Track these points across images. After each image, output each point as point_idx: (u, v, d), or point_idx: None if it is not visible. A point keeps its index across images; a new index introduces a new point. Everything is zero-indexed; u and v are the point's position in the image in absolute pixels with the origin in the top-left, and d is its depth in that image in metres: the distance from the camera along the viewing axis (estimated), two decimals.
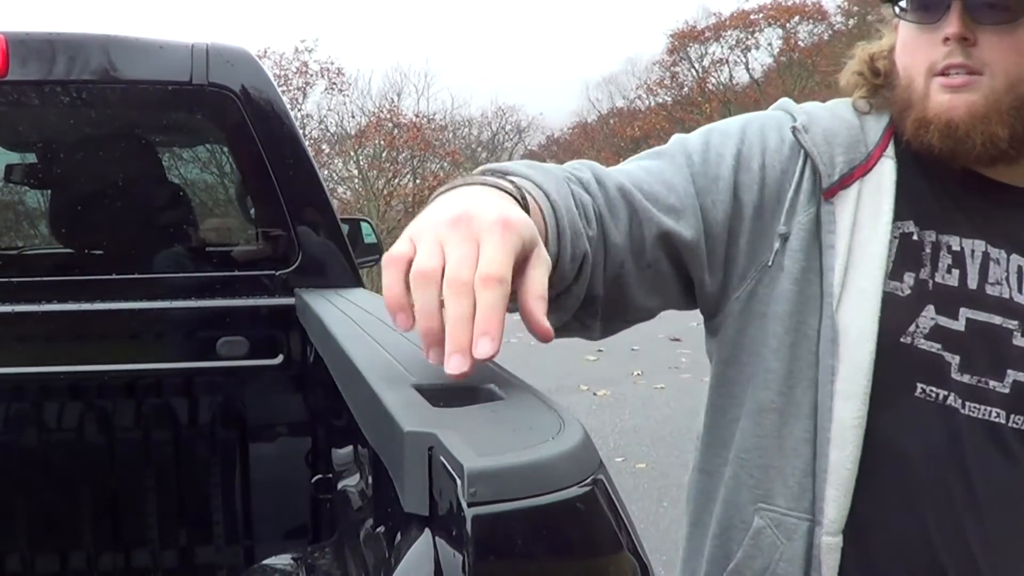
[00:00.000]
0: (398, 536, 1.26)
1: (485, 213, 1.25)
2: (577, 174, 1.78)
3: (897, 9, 1.92)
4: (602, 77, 53.59)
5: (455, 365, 1.17)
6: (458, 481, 0.88)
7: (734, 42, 46.69)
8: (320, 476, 3.36)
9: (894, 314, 1.86)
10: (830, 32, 44.80)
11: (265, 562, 2.73)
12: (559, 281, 1.61)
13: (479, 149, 46.34)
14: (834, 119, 1.96)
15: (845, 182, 1.89)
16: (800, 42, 45.34)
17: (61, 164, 3.94)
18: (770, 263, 1.88)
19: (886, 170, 1.91)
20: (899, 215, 1.90)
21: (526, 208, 1.41)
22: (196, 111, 3.79)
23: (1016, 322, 1.89)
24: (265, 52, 39.28)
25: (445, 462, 0.93)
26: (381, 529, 1.80)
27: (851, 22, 42.94)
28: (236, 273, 3.69)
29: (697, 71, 47.87)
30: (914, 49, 1.90)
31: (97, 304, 3.53)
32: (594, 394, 12.54)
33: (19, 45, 3.47)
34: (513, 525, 0.88)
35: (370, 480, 2.23)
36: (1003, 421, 1.87)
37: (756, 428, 1.91)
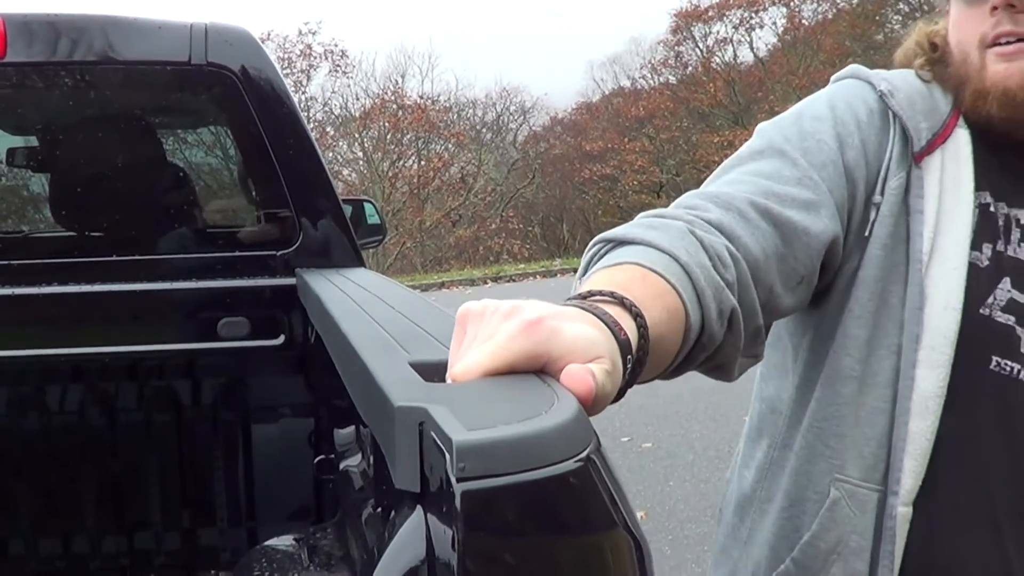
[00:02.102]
0: (392, 514, 1.25)
1: (521, 309, 1.10)
2: (702, 215, 1.63)
3: None
4: (606, 57, 53.54)
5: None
6: (447, 456, 0.87)
7: (738, 21, 46.54)
8: (322, 457, 3.35)
9: (975, 285, 1.85)
10: (834, 11, 44.65)
11: (267, 543, 2.72)
12: (710, 342, 1.48)
13: (484, 130, 46.24)
14: (909, 85, 1.95)
15: (931, 147, 1.89)
16: (804, 21, 45.19)
17: (61, 146, 3.93)
18: (867, 234, 1.86)
19: (962, 139, 1.91)
20: (978, 185, 1.89)
21: (644, 340, 1.26)
22: (196, 91, 3.78)
23: None
24: (268, 35, 39.19)
25: (435, 437, 0.91)
26: (381, 509, 1.79)
27: (855, 1, 42.83)
28: (237, 254, 3.68)
29: (701, 50, 47.73)
30: (964, 23, 1.90)
31: (98, 286, 3.51)
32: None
33: (18, 26, 3.46)
34: (504, 501, 0.86)
35: (372, 460, 2.22)
36: None
37: (834, 396, 1.89)
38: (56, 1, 3.86)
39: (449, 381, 1.08)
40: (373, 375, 1.17)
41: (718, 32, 46.49)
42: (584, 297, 1.26)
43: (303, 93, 39.53)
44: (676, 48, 47.40)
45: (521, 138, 46.44)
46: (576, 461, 0.91)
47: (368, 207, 5.25)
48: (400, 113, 40.35)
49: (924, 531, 1.86)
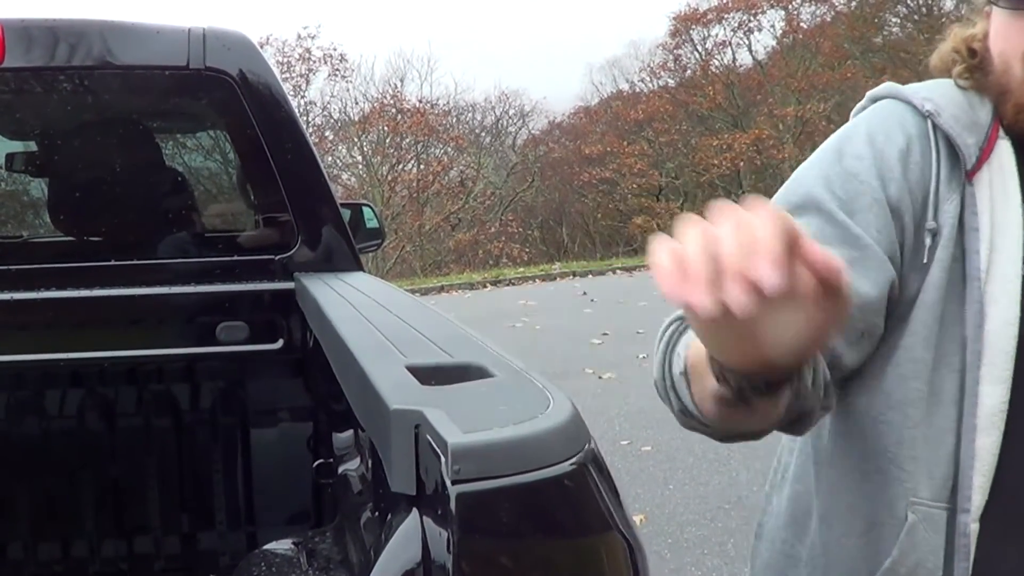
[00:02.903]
0: (389, 516, 1.25)
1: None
2: None
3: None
4: (605, 60, 53.45)
5: (768, 277, 1.12)
6: (442, 458, 0.87)
7: (737, 24, 46.52)
8: (321, 461, 3.35)
9: None
10: (832, 13, 44.63)
11: (266, 547, 2.72)
12: (804, 392, 1.57)
13: (483, 134, 46.22)
14: (951, 100, 1.91)
15: (980, 162, 1.85)
16: (803, 23, 45.18)
17: (60, 151, 3.93)
18: (925, 260, 1.83)
19: (1005, 151, 1.87)
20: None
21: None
22: (194, 96, 3.78)
23: None
24: (267, 39, 39.14)
25: (431, 439, 0.92)
26: (379, 512, 1.80)
27: (853, 4, 42.82)
28: (236, 258, 3.68)
29: (700, 53, 47.71)
30: (1009, 35, 1.86)
31: (97, 291, 3.52)
32: (599, 377, 12.51)
33: (17, 32, 3.46)
34: (499, 502, 0.87)
35: (370, 464, 2.22)
36: None
37: (905, 420, 1.86)
38: (55, 6, 3.86)
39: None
40: (370, 379, 1.17)
41: (717, 35, 46.47)
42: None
43: (302, 97, 39.49)
44: (675, 51, 47.38)
45: (520, 142, 46.38)
46: (570, 463, 0.91)
47: (367, 211, 5.25)
48: (399, 117, 40.31)
49: (989, 545, 1.84)
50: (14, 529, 3.65)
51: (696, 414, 1.64)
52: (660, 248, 1.17)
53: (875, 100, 2.00)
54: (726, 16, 45.85)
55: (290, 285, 3.52)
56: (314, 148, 3.77)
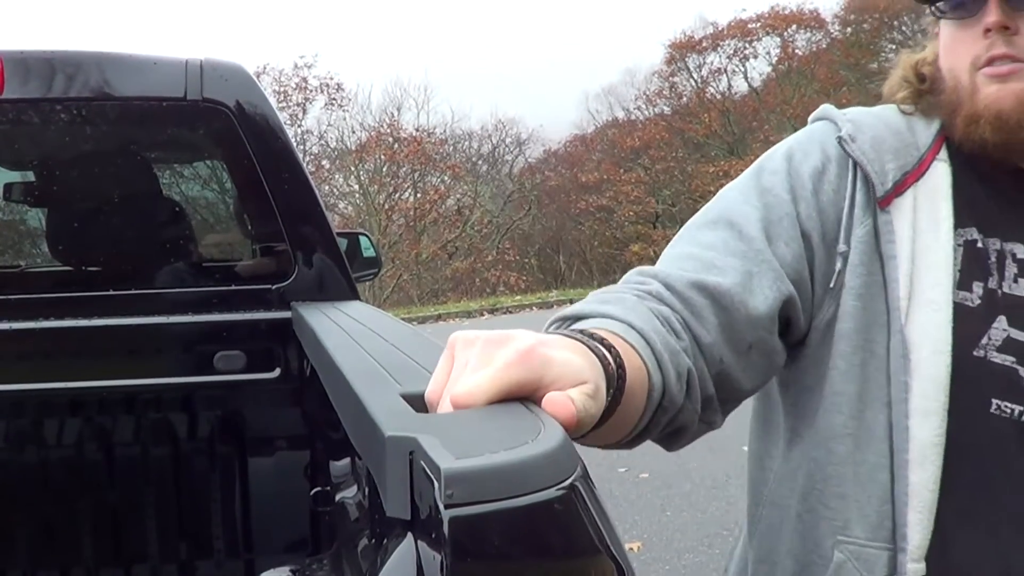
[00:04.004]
0: (385, 541, 1.27)
1: (513, 338, 1.16)
2: (645, 288, 1.69)
3: (935, 9, 1.88)
4: (601, 88, 53.60)
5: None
6: (436, 483, 0.89)
7: (732, 51, 46.66)
8: (319, 489, 3.36)
9: (965, 326, 1.78)
10: (828, 40, 44.78)
11: (264, 575, 2.73)
12: (671, 405, 1.53)
13: (479, 162, 46.28)
14: (880, 124, 1.91)
15: (899, 189, 1.83)
16: (798, 50, 45.30)
17: (58, 181, 3.96)
18: (832, 284, 1.81)
19: (940, 173, 1.85)
20: (960, 221, 1.83)
21: (620, 369, 1.33)
22: (191, 127, 3.81)
23: None
24: (264, 68, 39.25)
25: (424, 465, 0.94)
26: (375, 539, 1.81)
27: (848, 30, 42.99)
28: (233, 288, 3.70)
29: (695, 81, 47.84)
30: (956, 47, 1.86)
31: (96, 320, 3.54)
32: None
33: (16, 64, 3.49)
34: (491, 526, 0.89)
35: (367, 491, 2.23)
36: None
37: (830, 456, 1.82)
38: (54, 39, 3.89)
39: (446, 403, 1.11)
40: (365, 406, 1.19)
41: (712, 62, 46.62)
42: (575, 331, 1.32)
43: (299, 126, 39.56)
44: (670, 79, 47.49)
45: (517, 170, 46.44)
46: (560, 488, 0.94)
47: (363, 240, 5.27)
48: (396, 146, 40.36)
49: None
50: (13, 557, 3.66)
51: None
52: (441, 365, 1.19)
53: (813, 121, 2.00)
54: (721, 43, 45.99)
55: (287, 314, 3.54)
56: (311, 178, 3.80)
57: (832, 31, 44.83)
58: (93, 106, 3.60)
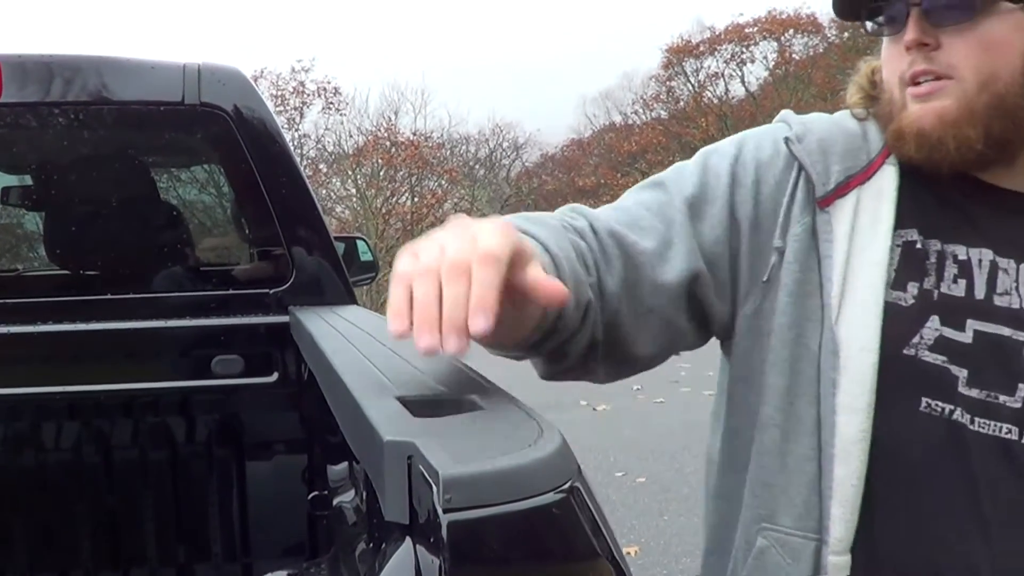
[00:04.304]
0: (384, 546, 1.27)
1: (483, 222, 1.28)
2: (572, 222, 1.78)
3: (869, 25, 1.90)
4: (599, 92, 53.64)
5: (451, 345, 1.18)
6: (434, 488, 0.90)
7: (729, 56, 46.77)
8: (316, 493, 3.36)
9: (896, 325, 1.80)
10: (825, 45, 44.87)
11: None
12: (564, 328, 1.61)
13: (476, 166, 46.36)
14: (834, 128, 1.93)
15: (841, 191, 1.84)
16: (795, 55, 45.40)
17: (56, 185, 3.96)
18: (765, 278, 1.84)
19: (887, 177, 1.87)
20: (901, 223, 1.85)
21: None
22: (189, 131, 3.81)
23: None
24: (262, 72, 39.31)
25: (423, 470, 0.94)
26: (373, 543, 1.81)
27: (845, 35, 43.02)
28: (231, 292, 3.70)
29: (693, 85, 47.91)
30: (887, 61, 1.87)
31: (93, 324, 3.54)
32: (594, 409, 12.54)
33: (14, 67, 3.49)
34: (488, 531, 0.90)
35: (365, 496, 2.24)
36: (1015, 438, 1.79)
37: (759, 446, 1.86)
38: (53, 43, 3.90)
39: (476, 256, 1.23)
40: (363, 411, 1.19)
41: (709, 67, 46.76)
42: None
43: (296, 130, 39.64)
44: (668, 83, 47.62)
45: (514, 174, 46.58)
46: (558, 492, 0.94)
47: (361, 244, 5.28)
48: (393, 150, 40.44)
49: None
50: (11, 561, 3.66)
51: None
52: (397, 288, 1.29)
53: (775, 124, 2.02)
54: (719, 48, 46.10)
55: (284, 319, 3.54)
56: (308, 182, 3.80)
57: (829, 36, 44.90)
58: (91, 110, 3.60)
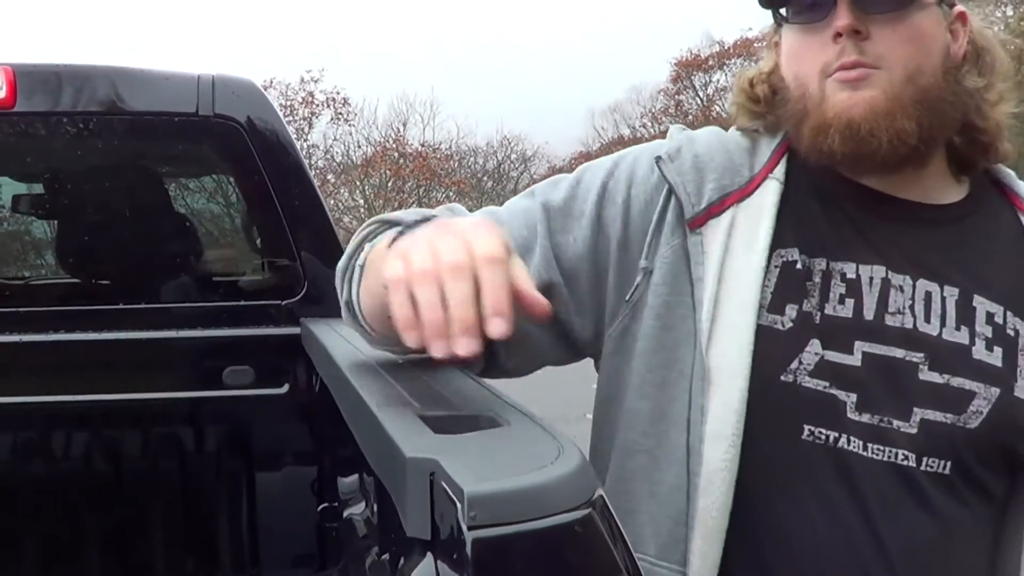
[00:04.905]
0: (402, 561, 1.28)
1: (463, 220, 1.29)
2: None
3: (782, 13, 1.82)
4: (607, 105, 53.71)
5: (464, 346, 1.18)
6: (458, 505, 0.90)
7: (738, 70, 46.82)
8: (326, 504, 3.37)
9: (772, 350, 1.73)
10: None
11: None
12: None
13: (484, 178, 46.42)
14: (716, 145, 1.85)
15: (714, 209, 1.78)
16: None
17: (68, 194, 3.98)
18: (628, 298, 1.78)
19: (768, 192, 1.79)
20: (781, 242, 1.78)
21: None
22: (202, 142, 3.82)
23: (922, 354, 1.75)
24: (271, 82, 39.44)
25: (446, 487, 0.95)
26: (386, 556, 1.82)
27: None
28: (242, 303, 3.71)
29: (701, 99, 47.98)
30: (803, 53, 1.78)
31: (104, 334, 3.55)
32: (586, 416, 12.54)
33: (27, 77, 3.51)
34: (512, 548, 0.90)
35: (375, 508, 2.24)
36: (913, 464, 1.72)
37: (622, 471, 1.79)
38: (64, 52, 3.91)
39: (480, 262, 1.23)
40: (384, 427, 1.20)
41: (718, 81, 46.75)
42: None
43: (305, 140, 39.72)
44: (676, 97, 47.66)
45: (522, 186, 46.52)
46: (581, 510, 0.95)
47: None
48: (401, 161, 40.53)
49: None
50: (20, 570, 3.67)
51: (356, 310, 1.71)
52: (397, 294, 1.29)
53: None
54: (727, 62, 46.11)
55: (296, 330, 3.54)
56: (320, 194, 3.82)
57: None
58: (104, 120, 3.62)
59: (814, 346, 1.73)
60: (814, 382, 1.72)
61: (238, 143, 3.60)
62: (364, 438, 1.50)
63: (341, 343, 2.57)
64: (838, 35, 1.72)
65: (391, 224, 1.70)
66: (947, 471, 1.74)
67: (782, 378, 1.72)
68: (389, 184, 40.30)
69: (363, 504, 2.59)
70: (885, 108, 1.71)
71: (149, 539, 3.73)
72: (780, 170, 1.82)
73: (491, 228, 1.28)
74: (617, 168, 1.88)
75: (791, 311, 1.75)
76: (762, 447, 1.71)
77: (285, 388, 3.62)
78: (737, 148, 1.86)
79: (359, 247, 1.74)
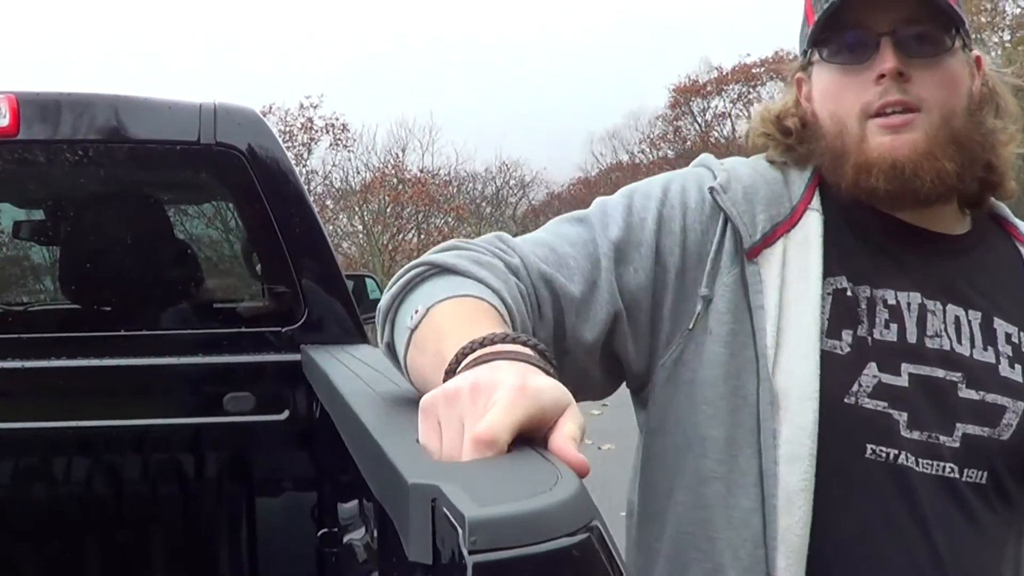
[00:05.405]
0: None
1: (498, 380, 1.19)
2: (507, 259, 1.76)
3: (823, 53, 1.89)
4: (605, 131, 53.74)
5: None
6: (459, 530, 0.93)
7: (736, 96, 46.91)
8: (326, 530, 3.38)
9: (835, 373, 1.81)
10: None
11: None
12: None
13: (483, 204, 46.43)
14: (755, 175, 1.92)
15: (768, 240, 1.85)
16: None
17: (70, 221, 4.00)
18: (691, 326, 1.83)
19: (812, 223, 1.87)
20: (830, 270, 1.86)
21: (549, 362, 1.35)
22: (203, 170, 3.84)
23: (959, 374, 1.85)
24: (270, 108, 39.49)
25: (447, 512, 0.97)
26: None
27: None
28: (242, 330, 3.73)
29: (700, 125, 48.09)
30: (842, 93, 1.86)
31: (105, 360, 3.57)
32: (599, 448, 12.51)
33: (29, 104, 3.53)
34: (512, 572, 0.93)
35: (375, 533, 2.26)
36: (957, 476, 1.82)
37: (698, 499, 1.83)
38: (64, 80, 3.94)
39: (468, 444, 1.13)
40: (386, 453, 1.22)
41: (716, 106, 46.88)
42: (494, 341, 1.35)
43: (304, 166, 39.73)
44: (674, 123, 47.75)
45: (520, 212, 46.59)
46: (579, 535, 0.97)
47: (370, 282, 5.32)
48: (400, 187, 40.53)
49: None
50: None
51: (403, 367, 1.65)
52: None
53: (694, 167, 2.01)
54: (725, 88, 46.23)
55: (296, 357, 3.56)
56: (320, 221, 3.84)
57: None
58: (106, 148, 3.64)
59: (871, 369, 1.83)
60: (873, 403, 1.82)
61: (239, 170, 3.62)
62: (366, 464, 1.52)
63: (342, 370, 2.59)
64: (881, 76, 1.80)
65: (440, 268, 1.68)
66: (984, 481, 1.85)
67: (845, 400, 1.81)
68: (388, 210, 40.31)
69: (363, 530, 2.61)
70: (926, 149, 1.80)
71: (150, 565, 3.74)
72: (817, 202, 1.90)
73: (519, 399, 1.17)
74: (667, 195, 1.90)
75: (847, 336, 1.84)
76: (830, 466, 1.78)
77: (285, 415, 3.64)
78: (772, 180, 1.93)
79: (405, 291, 1.70)
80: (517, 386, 1.17)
